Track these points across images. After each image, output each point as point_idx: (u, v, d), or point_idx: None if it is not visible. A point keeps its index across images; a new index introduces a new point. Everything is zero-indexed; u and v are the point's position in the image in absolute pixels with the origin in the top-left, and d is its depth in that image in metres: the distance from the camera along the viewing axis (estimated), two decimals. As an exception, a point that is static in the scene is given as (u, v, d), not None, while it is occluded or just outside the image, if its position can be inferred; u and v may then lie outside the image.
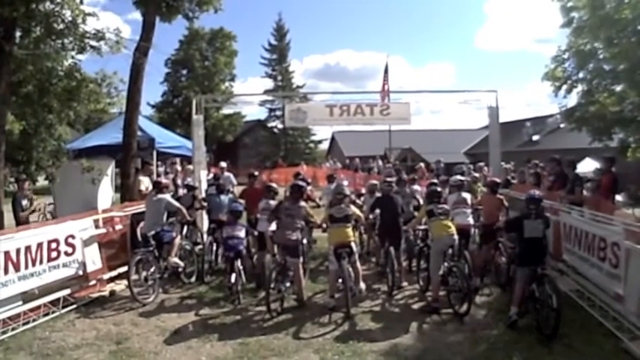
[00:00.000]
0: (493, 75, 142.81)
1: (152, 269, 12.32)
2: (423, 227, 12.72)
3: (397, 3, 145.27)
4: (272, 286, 11.20)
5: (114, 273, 13.23)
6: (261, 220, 13.44)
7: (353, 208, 12.41)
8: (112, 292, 12.55)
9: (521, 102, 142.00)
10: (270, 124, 74.17)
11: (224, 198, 15.24)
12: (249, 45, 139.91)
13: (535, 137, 52.88)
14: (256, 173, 17.28)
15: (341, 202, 12.05)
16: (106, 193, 17.49)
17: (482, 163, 21.99)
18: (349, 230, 11.83)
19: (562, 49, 24.49)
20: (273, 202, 13.19)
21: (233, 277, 12.01)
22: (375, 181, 17.38)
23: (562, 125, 42.48)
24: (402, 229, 13.37)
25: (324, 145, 76.61)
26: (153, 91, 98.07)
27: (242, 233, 12.92)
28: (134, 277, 12.04)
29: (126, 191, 17.87)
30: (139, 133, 19.39)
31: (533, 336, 9.58)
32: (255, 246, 14.05)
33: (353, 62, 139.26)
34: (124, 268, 12.71)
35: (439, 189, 12.84)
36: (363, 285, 12.02)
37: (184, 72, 67.81)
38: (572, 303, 11.07)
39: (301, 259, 12.10)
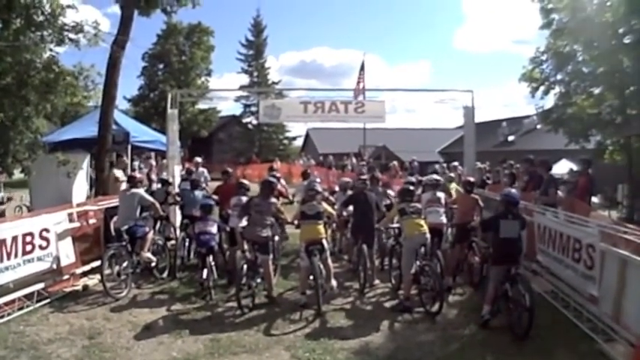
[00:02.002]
0: (470, 75, 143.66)
1: (125, 264, 12.31)
2: (395, 225, 12.83)
3: (375, 1, 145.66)
4: (243, 282, 11.21)
5: (87, 267, 13.22)
6: (232, 216, 13.56)
7: (325, 206, 12.48)
8: (85, 287, 12.51)
9: (497, 102, 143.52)
10: (245, 120, 74.15)
11: (198, 193, 15.29)
12: (227, 40, 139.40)
13: (511, 138, 53.07)
14: (230, 170, 17.23)
15: (313, 198, 12.14)
16: (81, 186, 17.53)
17: (456, 163, 21.93)
18: (320, 227, 11.87)
19: (540, 51, 24.96)
20: (244, 198, 13.22)
21: (205, 272, 12.08)
22: (347, 179, 17.53)
23: (538, 126, 43.01)
24: (376, 226, 13.19)
25: (299, 142, 77.20)
26: (129, 84, 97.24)
27: (214, 229, 12.94)
28: (107, 271, 12.02)
29: (100, 185, 17.86)
30: (114, 126, 19.39)
31: (506, 336, 9.61)
32: (227, 242, 14.16)
33: (329, 59, 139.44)
34: (98, 263, 12.75)
35: (412, 187, 13.07)
36: (334, 282, 12.07)
37: (161, 66, 67.85)
38: (546, 304, 11.15)
39: (271, 256, 12.17)
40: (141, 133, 22.82)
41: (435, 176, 14.63)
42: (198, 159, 22.35)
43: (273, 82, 74.13)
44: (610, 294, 9.18)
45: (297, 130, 74.54)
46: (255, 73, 73.31)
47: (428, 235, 11.61)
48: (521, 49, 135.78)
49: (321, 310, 11.01)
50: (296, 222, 12.20)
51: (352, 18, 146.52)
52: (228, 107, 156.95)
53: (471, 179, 14.60)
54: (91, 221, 13.78)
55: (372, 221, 13.16)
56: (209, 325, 10.38)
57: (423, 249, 11.61)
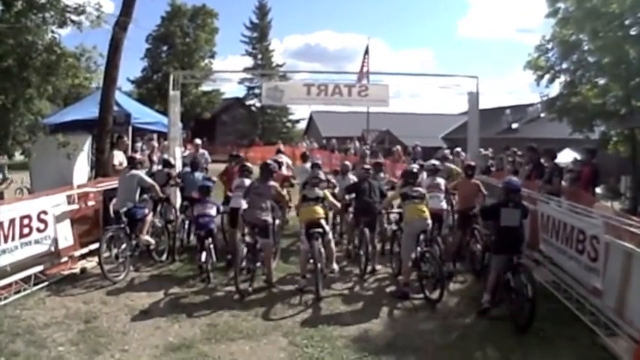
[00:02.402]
0: (473, 63, 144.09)
1: (123, 246, 12.25)
2: (397, 210, 12.81)
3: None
4: (242, 266, 11.17)
5: (85, 250, 13.13)
6: (234, 197, 13.59)
7: (327, 193, 12.57)
8: (83, 270, 12.46)
9: (501, 90, 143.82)
10: (248, 103, 74.28)
11: (197, 175, 15.29)
12: (231, 23, 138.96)
13: (514, 125, 53.05)
14: (242, 155, 17.56)
15: (316, 186, 12.26)
16: (82, 168, 17.27)
17: (459, 149, 22.07)
18: (319, 208, 11.91)
19: (546, 39, 24.75)
20: (247, 181, 13.20)
21: (203, 255, 12.04)
22: (347, 162, 17.61)
23: (542, 115, 42.00)
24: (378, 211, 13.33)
25: (302, 125, 77.06)
26: (133, 66, 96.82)
27: (213, 211, 12.94)
28: (105, 254, 11.93)
29: (100, 167, 17.74)
30: (115, 108, 19.19)
31: (507, 326, 9.52)
32: (229, 223, 14.14)
33: (333, 43, 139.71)
34: (96, 245, 12.57)
35: (415, 170, 12.87)
36: (336, 266, 12.15)
37: (165, 48, 67.50)
38: (548, 294, 10.95)
39: (271, 240, 12.07)
40: (142, 114, 22.56)
41: (433, 161, 14.77)
42: (198, 141, 22.26)
43: (277, 65, 74.24)
44: (614, 287, 8.99)
45: (300, 113, 74.87)
46: (260, 56, 73.41)
47: (429, 221, 11.50)
48: (525, 38, 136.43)
49: (320, 294, 10.96)
50: (295, 207, 12.68)
51: (356, 2, 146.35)
52: (232, 90, 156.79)
53: (472, 163, 14.62)
54: (90, 203, 13.72)
55: (374, 206, 13.17)
56: (207, 309, 10.30)
57: (423, 235, 11.49)
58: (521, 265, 9.78)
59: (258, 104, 70.73)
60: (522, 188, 11.05)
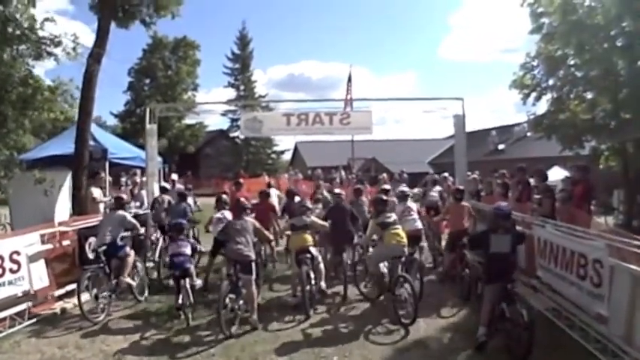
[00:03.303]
0: (456, 84, 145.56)
1: (103, 287, 11.85)
2: (375, 238, 12.69)
3: (363, 13, 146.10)
4: (225, 303, 10.66)
5: (63, 290, 12.69)
6: (213, 226, 14.04)
7: (314, 219, 13.19)
8: (63, 310, 12.05)
9: (485, 110, 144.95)
10: (232, 135, 73.93)
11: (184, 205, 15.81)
12: (213, 54, 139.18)
13: (501, 146, 53.01)
14: (268, 191, 17.13)
15: (304, 213, 12.98)
16: (63, 204, 17.14)
17: (446, 174, 21.84)
18: (308, 236, 12.63)
19: (531, 56, 24.49)
20: (227, 213, 14.02)
21: (180, 297, 11.51)
22: (326, 193, 17.89)
23: (529, 134, 42.74)
24: (355, 242, 14.12)
25: (287, 156, 77.17)
26: (116, 100, 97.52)
27: (188, 250, 12.25)
28: (84, 295, 11.53)
29: (77, 204, 17.35)
30: (92, 142, 18.93)
31: (505, 359, 9.13)
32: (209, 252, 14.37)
33: (317, 72, 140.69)
34: (74, 286, 12.08)
35: (384, 197, 13.21)
36: (323, 284, 12.84)
37: (147, 81, 67.87)
38: (548, 323, 10.55)
39: (253, 276, 11.50)
40: (120, 149, 22.31)
41: (402, 188, 15.44)
42: (174, 176, 21.84)
43: (260, 96, 74.53)
44: (621, 313, 8.52)
45: (285, 143, 74.97)
46: (242, 87, 73.37)
47: (405, 248, 11.83)
48: (509, 58, 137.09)
49: (308, 313, 11.58)
50: (287, 233, 13.63)
51: (338, 31, 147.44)
52: (216, 122, 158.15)
53: (460, 187, 15.41)
54: (65, 242, 13.19)
55: (347, 227, 13.96)
56: (186, 352, 9.85)
57: (399, 260, 11.66)
58: (517, 294, 9.42)
59: (242, 136, 69.71)
60: (515, 212, 11.16)
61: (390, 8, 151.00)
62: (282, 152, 76.77)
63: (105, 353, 9.79)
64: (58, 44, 14.74)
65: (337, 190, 15.91)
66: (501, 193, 15.05)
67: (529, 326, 8.73)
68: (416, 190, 19.83)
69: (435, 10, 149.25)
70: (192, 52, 68.84)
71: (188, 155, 66.40)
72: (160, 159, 21.44)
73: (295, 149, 73.62)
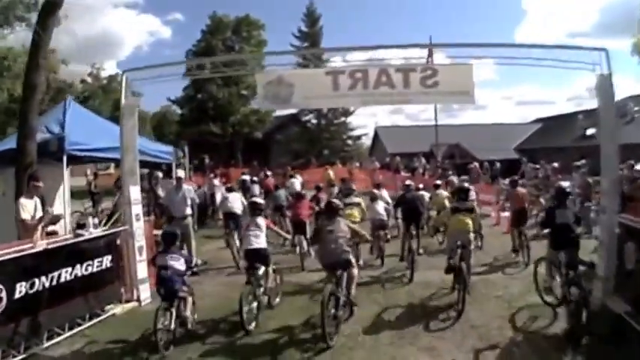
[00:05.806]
0: (535, 70, 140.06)
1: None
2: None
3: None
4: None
5: None
6: (245, 237, 11.89)
7: (350, 225, 11.74)
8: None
9: (561, 98, 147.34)
10: (304, 119, 68.10)
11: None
12: (280, 33, 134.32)
13: (589, 131, 46.13)
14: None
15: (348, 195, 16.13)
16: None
17: (631, 161, 18.30)
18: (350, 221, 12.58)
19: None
20: (260, 219, 12.11)
21: (160, 321, 9.13)
22: (375, 190, 17.36)
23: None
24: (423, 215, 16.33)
25: (366, 141, 72.02)
26: (175, 85, 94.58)
27: (179, 264, 9.96)
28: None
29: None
30: (44, 131, 13.49)
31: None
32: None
33: (396, 51, 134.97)
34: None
35: (466, 185, 15.29)
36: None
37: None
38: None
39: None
40: (107, 137, 14.83)
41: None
42: (181, 173, 15.47)
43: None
44: None
45: (363, 127, 69.58)
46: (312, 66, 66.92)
47: (469, 235, 12.07)
48: (580, 42, 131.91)
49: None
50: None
51: (417, 4, 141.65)
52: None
53: (515, 177, 17.95)
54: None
55: (418, 208, 15.74)
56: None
57: (460, 245, 11.84)
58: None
59: (314, 120, 66.09)
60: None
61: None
62: (359, 137, 70.49)
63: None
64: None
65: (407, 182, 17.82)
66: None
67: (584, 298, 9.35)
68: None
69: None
70: (256, 32, 64.09)
71: (255, 142, 61.82)
72: (170, 148, 17.38)
73: (375, 135, 68.63)
